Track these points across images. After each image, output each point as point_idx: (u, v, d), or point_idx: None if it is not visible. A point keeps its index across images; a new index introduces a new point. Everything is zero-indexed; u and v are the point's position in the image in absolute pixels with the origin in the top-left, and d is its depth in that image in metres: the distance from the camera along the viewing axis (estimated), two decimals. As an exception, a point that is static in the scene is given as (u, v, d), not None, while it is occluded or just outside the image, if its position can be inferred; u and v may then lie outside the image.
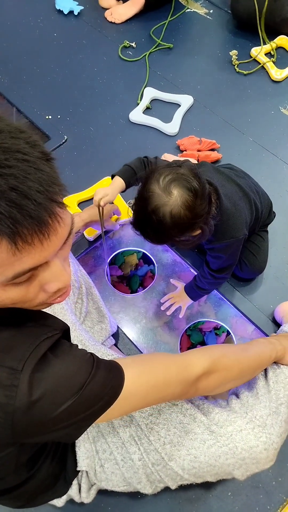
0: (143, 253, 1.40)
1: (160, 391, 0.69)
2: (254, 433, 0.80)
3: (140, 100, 1.68)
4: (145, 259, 1.40)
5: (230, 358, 0.82)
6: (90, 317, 1.15)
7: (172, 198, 0.84)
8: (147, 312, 1.31)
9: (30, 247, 0.44)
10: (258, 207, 1.12)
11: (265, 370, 0.94)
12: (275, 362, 0.95)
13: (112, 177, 1.12)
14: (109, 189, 1.09)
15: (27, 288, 0.49)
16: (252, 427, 0.81)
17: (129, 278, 1.37)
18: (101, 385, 0.59)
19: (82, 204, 1.46)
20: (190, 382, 0.73)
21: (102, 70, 1.80)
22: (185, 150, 1.53)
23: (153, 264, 1.38)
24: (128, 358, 0.71)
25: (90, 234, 1.37)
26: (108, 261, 1.38)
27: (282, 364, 0.94)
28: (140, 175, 1.12)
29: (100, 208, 1.12)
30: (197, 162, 1.47)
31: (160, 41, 1.85)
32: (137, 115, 1.64)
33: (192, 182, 0.85)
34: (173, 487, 0.85)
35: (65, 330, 0.64)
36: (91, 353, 0.61)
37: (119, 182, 1.10)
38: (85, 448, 0.84)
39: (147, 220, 0.87)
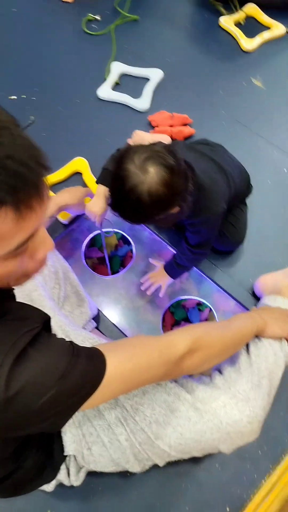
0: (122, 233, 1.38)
1: (143, 374, 0.68)
2: (238, 407, 0.81)
3: (108, 76, 1.63)
4: (125, 239, 1.39)
5: (212, 335, 0.82)
6: (69, 301, 1.13)
7: (149, 175, 0.82)
8: (128, 293, 1.30)
9: (32, 212, 0.45)
10: (236, 181, 1.12)
11: (247, 344, 0.95)
12: (257, 336, 0.96)
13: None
14: (95, 206, 1.15)
15: (22, 259, 0.50)
16: (236, 401, 0.82)
17: (110, 259, 1.35)
18: (82, 373, 0.58)
19: (56, 187, 1.42)
20: (173, 362, 0.72)
21: (67, 46, 1.74)
22: (157, 126, 1.50)
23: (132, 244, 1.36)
24: (109, 344, 0.71)
25: (64, 217, 1.34)
26: (84, 243, 1.35)
27: (263, 337, 0.95)
28: (114, 154, 1.09)
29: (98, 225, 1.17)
30: (170, 140, 1.45)
31: (126, 13, 1.78)
32: (105, 92, 1.59)
33: (167, 158, 0.84)
34: (161, 464, 0.87)
35: (46, 321, 0.63)
36: (71, 342, 0.60)
37: (102, 190, 1.13)
38: (71, 433, 0.84)
39: (125, 200, 0.85)
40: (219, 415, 0.81)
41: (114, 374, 0.62)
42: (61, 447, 0.83)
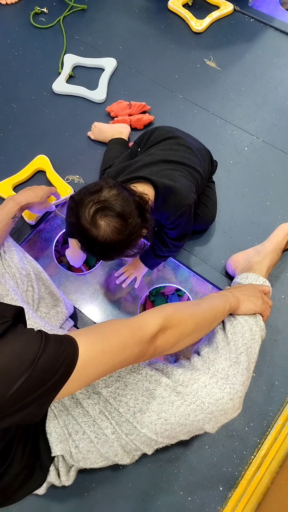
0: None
1: (117, 355, 0.68)
2: (218, 386, 0.83)
3: (62, 69, 1.59)
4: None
5: (183, 312, 0.82)
6: (44, 302, 1.12)
7: (100, 229, 0.86)
8: (105, 287, 1.29)
9: None
10: (201, 165, 1.14)
11: (223, 323, 0.96)
12: (231, 314, 0.97)
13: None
14: (75, 257, 1.20)
15: None
16: (216, 380, 0.84)
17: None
18: (53, 357, 0.58)
19: (18, 188, 1.39)
20: (146, 341, 0.73)
21: (16, 42, 1.69)
22: (116, 116, 1.48)
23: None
24: (79, 330, 0.71)
25: (31, 218, 1.31)
26: (54, 242, 1.33)
27: (237, 315, 0.96)
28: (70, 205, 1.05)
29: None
30: (130, 129, 1.44)
31: (73, 3, 1.74)
32: (60, 85, 1.56)
33: (115, 206, 0.86)
34: (149, 452, 0.87)
35: (18, 313, 0.63)
36: (39, 330, 0.61)
37: (74, 241, 1.14)
38: (56, 433, 0.84)
39: (92, 249, 0.91)
40: (200, 396, 0.82)
41: (87, 356, 0.62)
42: (48, 448, 0.83)
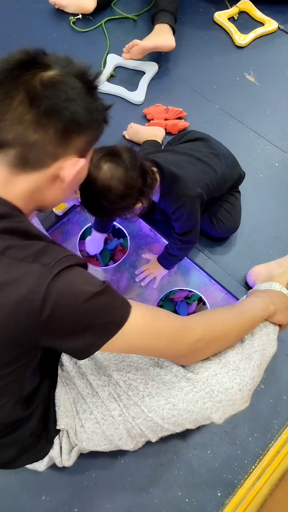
0: (112, 227, 1.39)
1: (159, 339, 0.73)
2: (229, 376, 0.84)
3: (103, 68, 1.63)
4: (114, 232, 1.39)
5: (228, 322, 0.86)
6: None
7: (101, 172, 0.89)
8: (119, 285, 1.31)
9: None
10: (221, 167, 1.16)
11: None
12: None
13: None
14: None
15: None
16: (226, 371, 0.85)
17: (100, 252, 1.36)
18: (113, 299, 0.66)
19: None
20: (186, 345, 0.77)
21: (62, 36, 1.73)
22: (152, 119, 1.51)
23: (123, 237, 1.37)
24: (135, 302, 0.74)
25: (59, 208, 1.34)
26: (80, 234, 1.36)
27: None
28: None
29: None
30: (164, 133, 1.47)
31: (123, 13, 1.78)
32: (101, 84, 1.59)
33: (121, 155, 0.90)
34: (153, 439, 0.88)
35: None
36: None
37: None
38: (64, 408, 0.86)
39: (86, 195, 0.92)
40: (210, 383, 0.83)
41: (134, 323, 0.67)
42: (55, 420, 0.86)
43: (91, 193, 0.90)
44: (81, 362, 0.89)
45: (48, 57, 0.65)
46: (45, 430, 0.85)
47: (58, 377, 0.89)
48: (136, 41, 1.53)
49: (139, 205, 0.97)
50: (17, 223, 0.63)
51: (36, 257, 0.60)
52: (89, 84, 0.69)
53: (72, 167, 0.68)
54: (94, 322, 0.63)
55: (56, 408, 0.86)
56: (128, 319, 0.66)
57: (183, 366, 0.86)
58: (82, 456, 0.96)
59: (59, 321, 0.60)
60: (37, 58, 0.64)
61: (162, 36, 1.57)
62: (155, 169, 1.03)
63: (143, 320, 0.70)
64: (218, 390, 0.83)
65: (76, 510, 1.01)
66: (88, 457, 0.99)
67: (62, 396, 0.87)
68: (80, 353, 0.66)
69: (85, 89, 0.67)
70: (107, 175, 0.88)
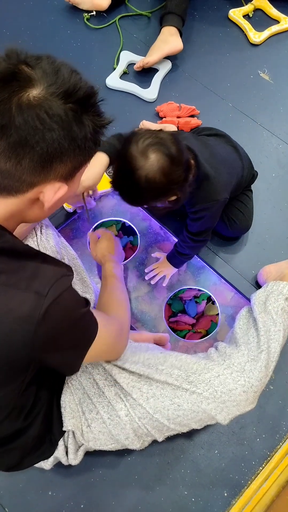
0: (122, 224, 1.38)
1: (112, 338, 0.82)
2: (232, 377, 0.84)
3: (117, 65, 1.63)
4: (124, 230, 1.39)
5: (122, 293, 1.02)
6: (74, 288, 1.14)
7: (148, 162, 0.84)
8: (129, 282, 1.31)
9: None
10: (242, 169, 1.15)
11: (255, 320, 1.00)
12: (265, 312, 1.02)
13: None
14: (89, 172, 1.03)
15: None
16: (230, 372, 0.85)
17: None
18: (91, 318, 0.71)
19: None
20: (125, 338, 0.89)
21: (76, 33, 1.73)
22: (165, 117, 1.51)
23: (133, 235, 1.37)
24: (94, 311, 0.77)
25: (69, 205, 1.34)
26: (89, 231, 1.36)
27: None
28: (114, 134, 1.10)
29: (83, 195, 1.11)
30: (177, 130, 1.45)
31: (137, 10, 1.77)
32: (114, 81, 1.59)
33: (170, 147, 0.86)
34: (160, 439, 0.89)
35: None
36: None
37: (101, 159, 1.04)
38: (70, 409, 0.86)
39: (124, 180, 0.89)
40: (213, 384, 0.84)
41: (100, 334, 0.72)
42: (60, 423, 0.86)
43: (131, 178, 0.86)
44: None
45: (33, 71, 0.56)
46: (48, 433, 0.85)
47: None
48: (145, 60, 1.55)
49: (174, 197, 0.94)
50: (2, 243, 0.61)
51: (28, 283, 0.59)
52: (80, 105, 0.59)
53: (53, 193, 0.62)
54: (80, 339, 0.69)
55: (62, 410, 0.86)
56: (98, 329, 0.72)
57: (182, 370, 0.87)
58: (89, 453, 0.96)
59: (52, 342, 0.63)
60: (19, 72, 0.55)
61: (168, 43, 1.57)
62: (193, 162, 0.98)
63: (102, 328, 0.74)
64: (221, 391, 0.83)
65: (82, 506, 1.02)
66: (95, 455, 0.99)
67: (68, 397, 0.87)
68: (70, 369, 0.74)
69: (72, 113, 0.57)
70: (154, 166, 0.84)
